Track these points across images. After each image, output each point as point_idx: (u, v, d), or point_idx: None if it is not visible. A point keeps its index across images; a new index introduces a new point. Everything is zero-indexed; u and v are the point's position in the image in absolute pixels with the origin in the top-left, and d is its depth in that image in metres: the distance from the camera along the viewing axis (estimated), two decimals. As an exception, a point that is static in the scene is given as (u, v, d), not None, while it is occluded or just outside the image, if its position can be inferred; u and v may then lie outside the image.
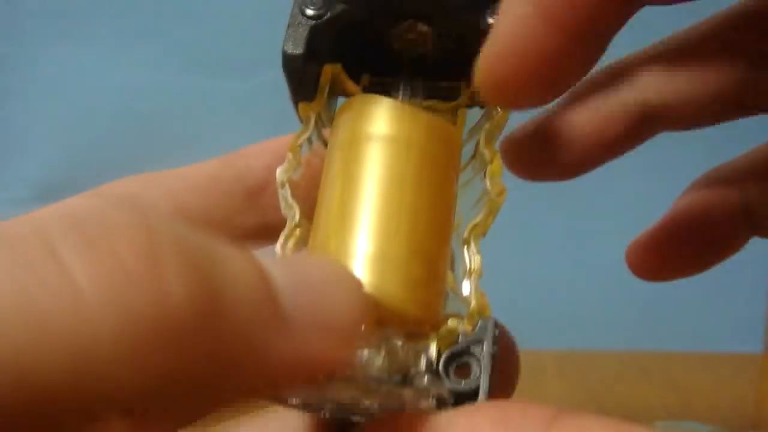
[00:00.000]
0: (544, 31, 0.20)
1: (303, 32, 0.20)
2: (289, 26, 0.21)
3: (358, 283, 0.16)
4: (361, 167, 0.19)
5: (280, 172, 0.20)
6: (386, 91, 0.22)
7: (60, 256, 0.11)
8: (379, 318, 0.17)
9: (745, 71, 0.23)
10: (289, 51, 0.20)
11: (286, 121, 0.56)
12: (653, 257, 0.25)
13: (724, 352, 0.56)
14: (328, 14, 0.20)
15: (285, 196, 0.20)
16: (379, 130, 0.19)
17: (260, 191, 0.23)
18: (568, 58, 0.20)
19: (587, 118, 0.22)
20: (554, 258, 0.59)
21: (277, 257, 0.18)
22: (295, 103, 0.22)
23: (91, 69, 0.56)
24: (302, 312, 0.14)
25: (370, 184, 0.18)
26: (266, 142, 0.24)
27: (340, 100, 0.22)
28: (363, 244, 0.18)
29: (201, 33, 0.56)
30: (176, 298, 0.12)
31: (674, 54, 0.23)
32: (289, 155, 0.20)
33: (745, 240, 0.25)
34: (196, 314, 0.12)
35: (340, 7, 0.20)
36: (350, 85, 0.22)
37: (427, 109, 0.22)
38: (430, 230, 0.18)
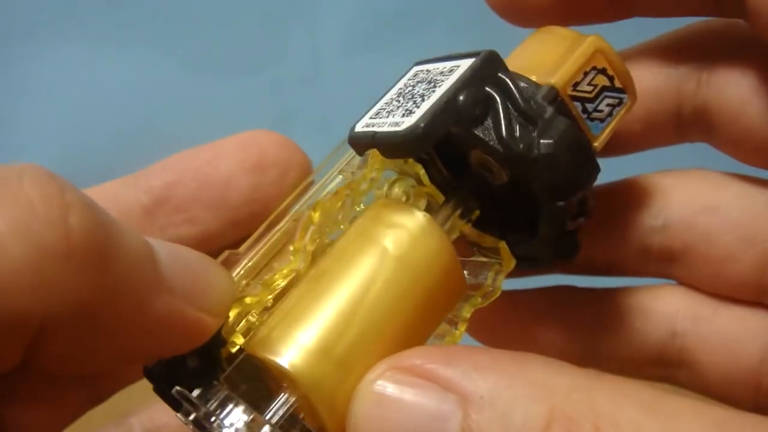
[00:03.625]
0: None
1: (448, 119, 0.20)
2: (442, 101, 0.20)
3: (226, 273, 0.19)
4: (357, 266, 0.19)
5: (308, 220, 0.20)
6: (441, 185, 0.22)
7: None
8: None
9: None
10: (430, 131, 0.19)
11: (286, 121, 0.56)
12: None
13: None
14: (481, 134, 0.20)
15: (308, 234, 0.20)
16: (394, 242, 0.19)
17: (157, 208, 0.23)
18: None
19: None
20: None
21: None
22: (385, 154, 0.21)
23: (91, 69, 0.56)
24: (177, 278, 0.17)
25: (352, 284, 0.19)
26: (171, 158, 0.24)
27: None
28: (316, 327, 0.18)
29: (201, 33, 0.56)
30: (77, 234, 0.15)
31: None
32: (333, 197, 0.20)
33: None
34: (94, 249, 0.15)
35: (492, 143, 0.20)
36: (420, 171, 0.22)
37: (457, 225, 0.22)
38: (381, 352, 0.18)
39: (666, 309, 0.25)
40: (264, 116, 0.55)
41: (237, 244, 0.22)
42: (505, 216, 0.23)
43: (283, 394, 0.19)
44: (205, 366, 0.19)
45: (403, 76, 0.22)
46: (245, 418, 0.18)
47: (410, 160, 0.22)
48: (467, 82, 0.20)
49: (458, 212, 0.22)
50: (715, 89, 0.23)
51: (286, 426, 0.19)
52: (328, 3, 0.56)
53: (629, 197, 0.25)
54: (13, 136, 0.55)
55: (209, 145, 0.24)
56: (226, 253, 0.21)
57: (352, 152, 0.22)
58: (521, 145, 0.19)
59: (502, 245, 0.21)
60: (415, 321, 0.19)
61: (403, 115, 0.20)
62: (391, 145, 0.20)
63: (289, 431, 0.19)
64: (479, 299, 0.21)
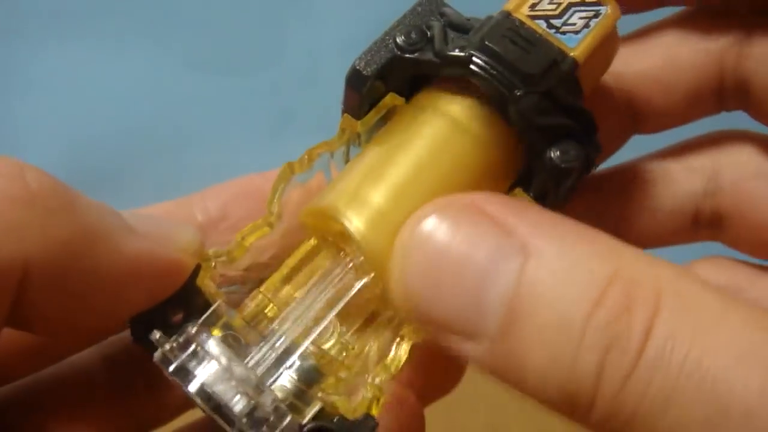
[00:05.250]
0: None
1: (383, 57, 0.20)
2: (374, 43, 0.21)
3: (189, 225, 0.21)
4: (420, 135, 0.19)
5: (285, 167, 0.20)
6: None
7: None
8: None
9: (724, 48, 0.23)
10: (359, 68, 0.20)
11: (285, 121, 0.56)
12: None
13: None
14: (416, 55, 0.20)
15: (277, 190, 0.20)
16: (453, 111, 0.20)
17: (211, 227, 0.23)
18: None
19: None
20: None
21: None
22: (343, 112, 0.21)
23: (91, 68, 0.56)
24: (144, 227, 0.19)
25: (418, 151, 0.19)
26: (228, 182, 0.25)
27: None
28: (380, 192, 0.19)
29: (201, 33, 0.56)
30: (35, 184, 0.17)
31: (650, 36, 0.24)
32: (305, 156, 0.20)
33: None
34: (55, 196, 0.17)
35: (429, 56, 0.20)
36: None
37: None
38: None
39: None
40: (264, 116, 0.55)
41: None
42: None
43: (268, 337, 0.19)
44: (187, 318, 0.19)
45: None
46: (219, 351, 0.18)
47: None
48: (403, 18, 0.21)
49: None
50: (755, 61, 0.23)
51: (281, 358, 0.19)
52: (328, 3, 0.56)
53: (679, 162, 0.25)
54: (14, 137, 0.55)
55: (263, 173, 0.25)
56: None
57: None
58: (456, 50, 0.19)
59: (518, 191, 0.21)
60: (475, 187, 0.19)
61: None
62: (343, 97, 0.21)
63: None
64: None
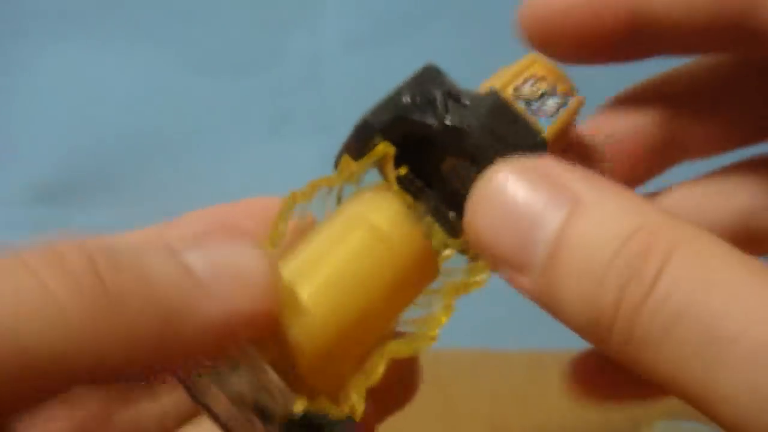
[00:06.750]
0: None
1: (389, 114, 0.23)
2: (382, 100, 0.23)
3: (264, 262, 0.19)
4: (341, 242, 0.22)
5: (291, 196, 0.22)
6: (411, 191, 0.25)
7: (42, 279, 0.16)
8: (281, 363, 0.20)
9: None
10: (370, 121, 0.23)
11: (285, 122, 0.56)
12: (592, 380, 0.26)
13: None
14: (418, 117, 0.23)
15: (284, 214, 0.22)
16: (376, 221, 0.22)
17: None
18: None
19: None
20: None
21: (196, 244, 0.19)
22: (342, 153, 0.24)
23: (90, 71, 0.56)
24: (217, 279, 0.18)
25: (337, 258, 0.22)
26: (200, 211, 0.24)
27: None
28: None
29: (201, 33, 0.56)
30: (110, 285, 0.16)
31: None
32: (308, 188, 0.22)
33: None
34: (128, 293, 0.16)
35: (430, 120, 0.23)
36: (389, 167, 0.24)
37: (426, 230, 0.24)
38: (365, 318, 0.21)
39: None
40: (264, 116, 0.55)
41: None
42: None
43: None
44: None
45: None
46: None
47: (389, 171, 0.24)
48: (409, 82, 0.23)
49: (430, 212, 0.24)
50: None
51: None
52: (329, 3, 0.56)
53: (721, 185, 0.26)
54: (13, 139, 0.55)
55: (233, 203, 0.25)
56: None
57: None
58: (456, 120, 0.23)
59: None
60: (389, 297, 0.22)
61: None
62: (346, 140, 0.23)
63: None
64: (461, 288, 0.23)
